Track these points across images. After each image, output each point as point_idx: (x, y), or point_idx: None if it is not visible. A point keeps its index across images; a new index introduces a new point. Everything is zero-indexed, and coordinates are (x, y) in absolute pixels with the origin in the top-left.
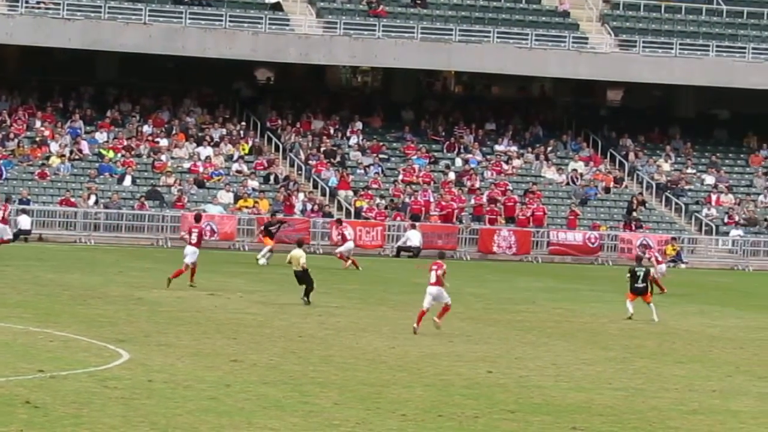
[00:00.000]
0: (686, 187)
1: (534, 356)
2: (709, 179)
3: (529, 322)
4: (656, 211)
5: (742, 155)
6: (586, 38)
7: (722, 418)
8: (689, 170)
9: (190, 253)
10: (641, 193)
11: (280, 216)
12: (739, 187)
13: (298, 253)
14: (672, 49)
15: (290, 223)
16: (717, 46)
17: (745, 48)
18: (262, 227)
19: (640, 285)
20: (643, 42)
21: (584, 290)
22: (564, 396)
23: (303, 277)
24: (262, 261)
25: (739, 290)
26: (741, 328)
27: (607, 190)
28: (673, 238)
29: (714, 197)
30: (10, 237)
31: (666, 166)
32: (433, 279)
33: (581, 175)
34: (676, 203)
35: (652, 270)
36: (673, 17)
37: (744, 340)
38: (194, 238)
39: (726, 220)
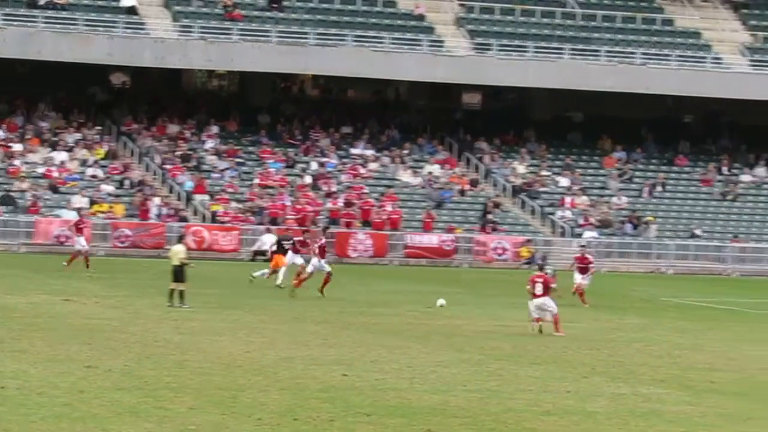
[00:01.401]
0: (541, 189)
1: (389, 359)
2: (564, 181)
3: (385, 325)
4: (511, 213)
5: (596, 157)
6: (442, 41)
7: (577, 419)
8: (544, 172)
9: (315, 263)
10: (497, 196)
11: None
12: (593, 189)
13: (177, 248)
14: (527, 52)
15: (146, 228)
16: (571, 49)
17: (599, 51)
18: (274, 245)
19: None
20: (498, 45)
21: (440, 293)
22: (419, 398)
23: (179, 272)
24: (280, 281)
25: (593, 292)
26: (595, 330)
27: (462, 192)
28: (528, 240)
29: (568, 199)
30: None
31: (521, 169)
32: (539, 291)
33: (437, 177)
34: (531, 205)
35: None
36: (528, 20)
37: (599, 342)
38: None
39: (580, 221)
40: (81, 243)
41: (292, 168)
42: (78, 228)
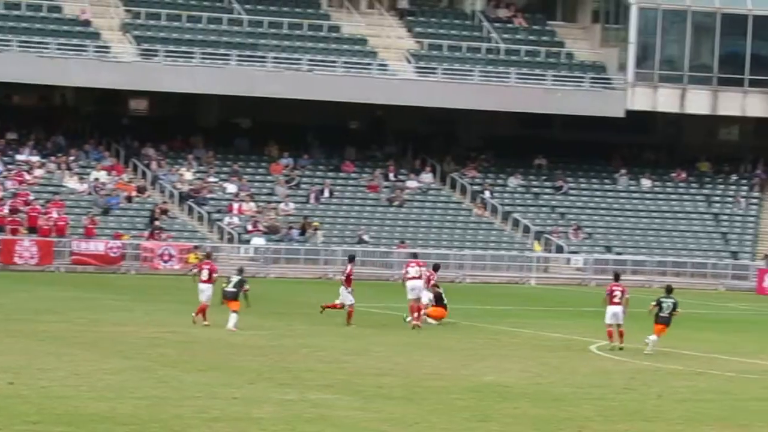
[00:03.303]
0: (208, 196)
1: (56, 366)
2: (231, 188)
3: (52, 333)
4: (179, 219)
5: (263, 164)
6: (108, 47)
7: (244, 425)
8: (211, 179)
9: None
10: (164, 202)
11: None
12: (260, 195)
13: None
14: (194, 58)
15: None
16: (238, 56)
17: (265, 57)
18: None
19: (229, 289)
20: (166, 51)
21: (107, 299)
22: (86, 406)
23: None
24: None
25: (260, 297)
26: (262, 336)
27: (129, 199)
28: (196, 247)
29: (236, 205)
30: None
31: (188, 175)
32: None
33: (104, 184)
34: (199, 212)
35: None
36: (195, 26)
37: (265, 348)
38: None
39: (248, 228)
40: None
41: None
42: None
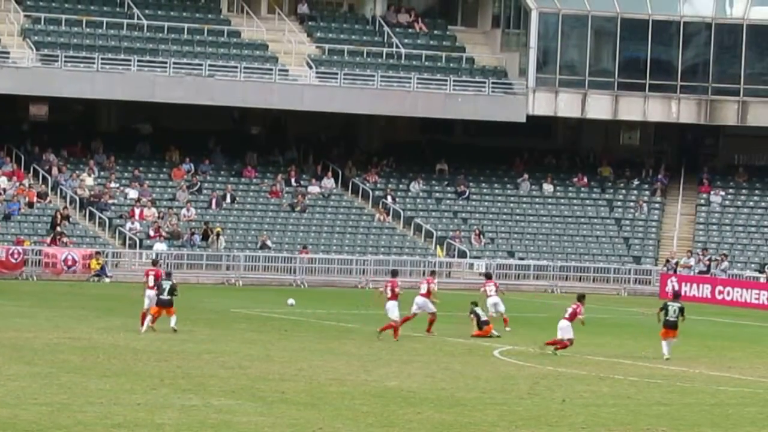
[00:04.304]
0: (110, 201)
1: None
2: (133, 193)
3: None
4: (80, 225)
5: (164, 169)
6: (8, 53)
7: (147, 431)
8: (113, 184)
9: (421, 304)
10: (65, 208)
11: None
12: (162, 200)
13: None
14: (94, 63)
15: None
16: (138, 61)
17: (166, 62)
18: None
19: (164, 297)
20: (66, 57)
21: (8, 305)
22: None
23: None
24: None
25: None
26: (164, 341)
27: (30, 204)
28: (98, 252)
29: (138, 211)
30: None
31: (89, 181)
32: (151, 283)
33: (5, 190)
34: (100, 217)
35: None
36: (95, 32)
37: (167, 353)
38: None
39: (151, 233)
40: None
41: None
42: None
